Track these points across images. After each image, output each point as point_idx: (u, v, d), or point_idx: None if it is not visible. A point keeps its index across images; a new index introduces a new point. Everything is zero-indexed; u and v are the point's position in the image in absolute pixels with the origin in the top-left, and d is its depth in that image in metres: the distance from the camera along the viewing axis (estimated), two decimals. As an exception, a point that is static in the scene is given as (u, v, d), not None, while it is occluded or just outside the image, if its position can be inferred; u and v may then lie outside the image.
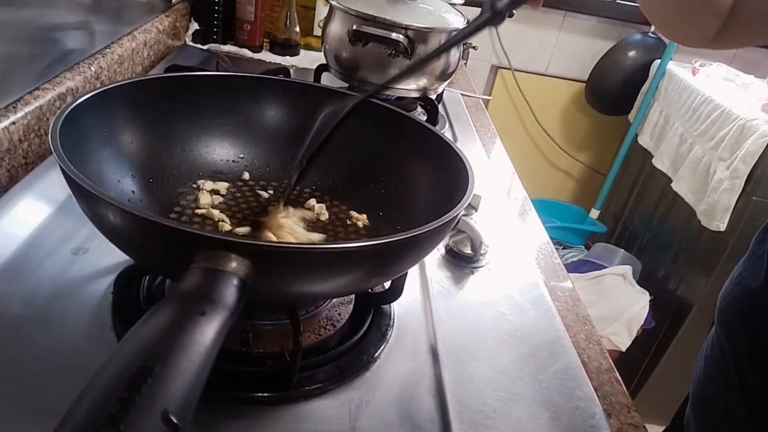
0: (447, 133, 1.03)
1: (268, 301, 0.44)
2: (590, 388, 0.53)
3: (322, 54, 1.04)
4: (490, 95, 2.22)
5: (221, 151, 0.62)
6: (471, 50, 2.16)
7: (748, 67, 1.97)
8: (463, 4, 1.20)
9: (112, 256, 0.56)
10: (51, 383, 0.43)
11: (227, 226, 0.54)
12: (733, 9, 0.55)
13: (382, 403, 0.47)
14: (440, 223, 0.42)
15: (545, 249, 0.79)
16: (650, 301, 1.71)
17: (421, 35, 0.92)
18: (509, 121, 2.27)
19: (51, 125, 0.42)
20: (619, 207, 2.19)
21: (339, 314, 0.54)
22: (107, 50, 0.89)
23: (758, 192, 1.48)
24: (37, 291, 0.51)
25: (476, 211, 0.78)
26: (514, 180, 0.98)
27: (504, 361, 0.54)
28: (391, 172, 0.59)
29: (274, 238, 0.52)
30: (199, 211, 0.55)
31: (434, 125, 0.86)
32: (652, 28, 2.06)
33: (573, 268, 1.91)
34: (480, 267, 0.68)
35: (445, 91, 1.22)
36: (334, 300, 0.55)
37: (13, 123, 0.65)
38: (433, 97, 1.03)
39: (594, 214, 2.28)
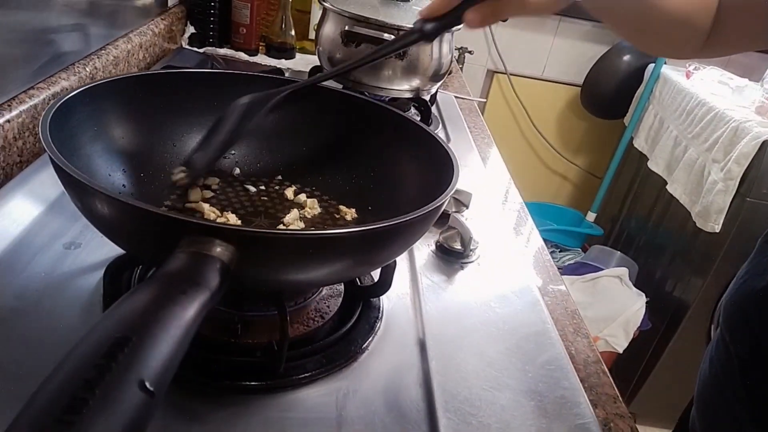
0: (440, 134, 1.04)
1: (254, 288, 0.45)
2: (576, 379, 0.53)
3: (317, 57, 1.05)
4: (486, 99, 2.23)
5: (212, 147, 0.62)
6: (467, 54, 2.17)
7: (744, 70, 1.98)
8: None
9: (103, 251, 0.56)
10: (43, 374, 0.43)
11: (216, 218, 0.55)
12: (714, 26, 0.56)
13: (369, 392, 0.48)
14: (426, 211, 0.42)
15: (536, 247, 0.80)
16: (647, 302, 1.72)
17: (413, 36, 0.93)
18: (506, 126, 2.28)
19: (41, 118, 0.43)
20: (616, 210, 2.20)
21: (328, 306, 0.54)
22: (102, 51, 0.90)
23: (752, 193, 1.49)
24: (29, 285, 0.51)
25: (467, 208, 0.79)
26: (507, 181, 0.99)
27: (491, 352, 0.54)
28: (379, 167, 0.60)
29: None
30: (189, 205, 0.56)
31: (427, 126, 0.87)
32: (647, 32, 2.07)
33: (570, 270, 1.92)
34: (470, 262, 0.69)
35: (439, 94, 1.23)
36: (323, 292, 0.55)
37: (8, 121, 0.66)
38: (427, 98, 1.04)
39: (590, 217, 2.29)
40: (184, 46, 1.26)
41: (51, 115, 0.44)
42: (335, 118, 0.62)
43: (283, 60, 1.31)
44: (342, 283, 0.57)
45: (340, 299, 0.56)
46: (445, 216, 0.72)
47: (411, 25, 0.92)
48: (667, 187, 1.78)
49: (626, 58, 2.10)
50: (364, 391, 0.48)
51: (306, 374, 0.47)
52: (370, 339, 0.53)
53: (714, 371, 0.62)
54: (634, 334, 1.69)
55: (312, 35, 1.38)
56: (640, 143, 2.04)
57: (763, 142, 1.44)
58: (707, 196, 1.56)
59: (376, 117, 0.60)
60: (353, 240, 0.40)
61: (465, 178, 0.85)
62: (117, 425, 0.20)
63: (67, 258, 0.55)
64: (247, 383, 0.45)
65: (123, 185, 0.53)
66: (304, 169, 0.63)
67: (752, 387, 0.56)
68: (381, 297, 0.57)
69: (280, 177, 0.64)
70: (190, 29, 1.28)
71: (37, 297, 0.50)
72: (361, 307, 0.56)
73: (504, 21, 1.34)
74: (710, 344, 0.64)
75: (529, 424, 0.47)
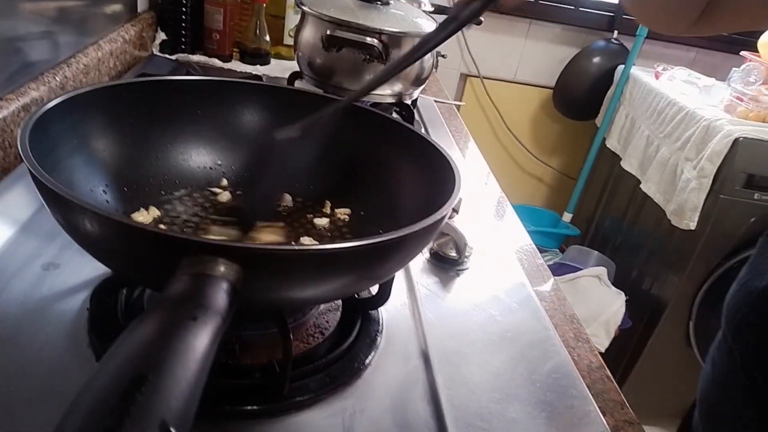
0: (423, 139, 1.03)
1: (259, 307, 0.43)
2: (584, 386, 0.52)
3: (293, 63, 1.03)
4: (463, 102, 2.23)
5: (198, 158, 0.60)
6: (440, 59, 2.17)
7: (709, 70, 2.02)
8: (433, 12, 1.20)
9: (85, 271, 0.53)
10: (26, 405, 0.40)
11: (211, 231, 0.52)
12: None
13: (377, 410, 0.46)
14: (429, 222, 0.41)
15: (528, 250, 0.79)
16: (626, 301, 1.73)
17: (395, 40, 0.91)
18: (480, 129, 2.28)
19: (20, 132, 0.40)
20: (591, 209, 2.22)
21: (327, 321, 0.52)
22: (72, 60, 0.86)
23: (725, 190, 1.52)
24: (7, 310, 0.48)
25: (457, 213, 0.77)
26: (490, 180, 0.98)
27: (496, 362, 0.53)
28: (377, 175, 0.58)
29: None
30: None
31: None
32: (615, 35, 2.10)
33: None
34: (465, 269, 0.67)
35: (419, 98, 1.21)
36: (322, 307, 0.53)
37: (-25, 135, 0.62)
38: (409, 102, 1.03)
39: (567, 217, 2.31)
40: (155, 53, 1.22)
41: (30, 127, 0.40)
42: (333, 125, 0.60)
43: (258, 66, 1.28)
44: (341, 299, 0.55)
45: (339, 313, 0.54)
46: (438, 223, 0.71)
47: (393, 29, 0.92)
48: (641, 186, 1.80)
49: (596, 60, 2.12)
50: (371, 409, 0.46)
51: (309, 395, 0.45)
52: (372, 354, 0.51)
53: (716, 372, 0.62)
54: (615, 333, 1.70)
55: (287, 40, 1.35)
56: (612, 143, 2.06)
57: (735, 140, 1.47)
58: (681, 194, 1.59)
59: (376, 125, 0.58)
60: (359, 253, 0.38)
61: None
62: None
63: (46, 280, 0.52)
64: (249, 407, 0.43)
65: (106, 201, 0.50)
66: (298, 178, 0.61)
67: (755, 387, 0.56)
68: (380, 309, 0.55)
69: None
70: (161, 35, 1.24)
71: (16, 323, 0.47)
72: (360, 321, 0.54)
73: (478, 24, 1.34)
74: (712, 345, 0.64)
75: (542, 436, 0.46)
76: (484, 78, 2.20)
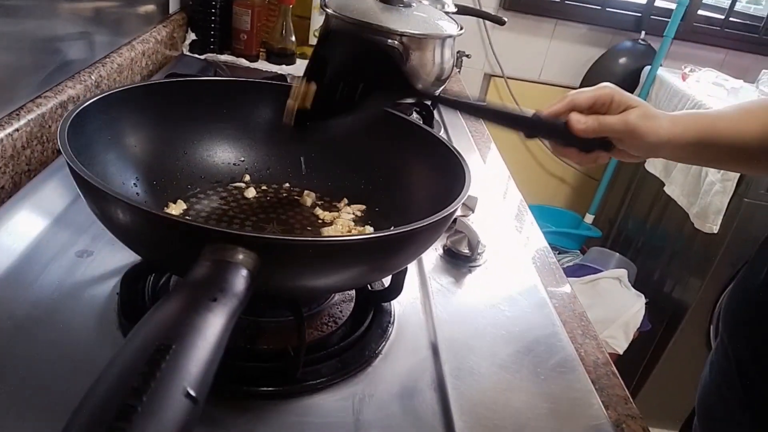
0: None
1: (274, 294, 0.45)
2: (588, 380, 0.54)
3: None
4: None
5: (222, 154, 0.63)
6: (464, 58, 2.18)
7: (738, 71, 2.00)
8: (456, 13, 1.22)
9: (116, 258, 0.57)
10: (60, 382, 0.44)
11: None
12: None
13: (385, 396, 0.48)
14: (440, 217, 0.43)
15: (541, 250, 0.80)
16: (646, 303, 1.72)
17: (416, 42, 0.94)
18: (503, 129, 2.29)
19: (59, 127, 0.44)
20: (613, 211, 2.21)
21: (341, 312, 0.55)
22: (107, 59, 0.90)
23: (749, 194, 1.50)
24: (44, 293, 0.52)
25: (473, 212, 0.79)
26: (510, 183, 1.00)
27: (503, 355, 0.55)
28: (392, 174, 0.61)
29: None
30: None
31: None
32: (642, 35, 2.09)
33: (569, 272, 1.93)
34: (477, 266, 0.69)
35: (439, 98, 1.23)
36: (336, 298, 0.56)
37: (17, 130, 0.66)
38: (429, 102, 1.05)
39: (588, 218, 2.30)
40: (185, 52, 1.26)
41: (68, 124, 0.44)
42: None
43: (283, 66, 1.32)
44: (354, 289, 0.57)
45: (352, 304, 0.56)
46: (452, 220, 0.73)
47: (414, 31, 0.94)
48: (665, 188, 1.79)
49: (622, 60, 2.11)
50: (380, 395, 0.48)
51: (321, 379, 0.48)
52: (383, 343, 0.53)
53: (714, 375, 0.62)
54: (634, 335, 1.70)
55: (312, 41, 1.39)
56: (636, 145, 2.05)
57: (760, 144, 1.45)
58: (705, 197, 1.57)
59: (391, 125, 0.61)
60: (372, 245, 0.40)
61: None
62: (166, 432, 0.20)
63: (79, 266, 0.56)
64: (265, 389, 0.46)
65: (137, 193, 0.54)
66: (312, 174, 0.64)
67: (750, 388, 0.57)
68: (392, 302, 0.58)
69: (288, 184, 0.65)
70: (191, 36, 1.28)
71: (53, 305, 0.51)
72: (373, 312, 0.56)
73: (502, 25, 1.35)
74: (711, 350, 0.65)
75: (544, 426, 0.48)
76: (508, 78, 2.20)
